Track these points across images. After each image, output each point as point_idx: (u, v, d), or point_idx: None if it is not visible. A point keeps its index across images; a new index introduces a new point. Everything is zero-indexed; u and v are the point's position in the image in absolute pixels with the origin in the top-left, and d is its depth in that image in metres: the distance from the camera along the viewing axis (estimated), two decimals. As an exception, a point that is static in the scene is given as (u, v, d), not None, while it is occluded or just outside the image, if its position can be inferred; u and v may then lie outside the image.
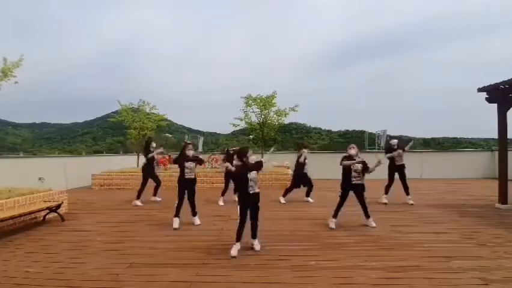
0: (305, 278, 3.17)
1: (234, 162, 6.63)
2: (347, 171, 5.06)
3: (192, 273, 3.30)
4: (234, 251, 3.80)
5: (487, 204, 6.87)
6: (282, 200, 7.41)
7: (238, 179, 4.10)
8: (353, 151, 5.10)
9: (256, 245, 3.99)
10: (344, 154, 5.23)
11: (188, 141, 5.87)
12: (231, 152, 7.26)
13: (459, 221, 5.48)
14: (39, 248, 4.19)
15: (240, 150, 4.20)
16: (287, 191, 7.52)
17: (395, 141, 7.29)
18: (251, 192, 3.91)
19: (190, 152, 5.35)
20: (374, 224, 5.02)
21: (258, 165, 4.01)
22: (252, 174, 3.93)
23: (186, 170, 5.24)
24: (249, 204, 3.94)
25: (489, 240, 4.33)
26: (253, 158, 4.05)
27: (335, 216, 5.10)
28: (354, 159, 5.00)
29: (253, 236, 4.03)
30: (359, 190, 5.05)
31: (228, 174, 7.24)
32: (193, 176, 5.35)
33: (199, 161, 5.52)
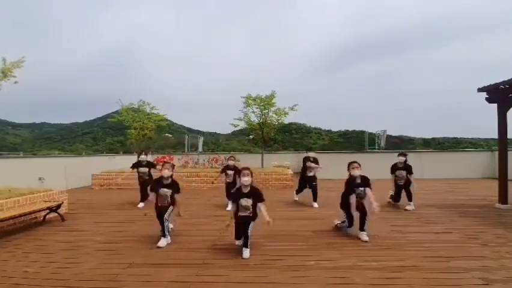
0: (304, 278, 3.16)
1: (229, 172, 6.72)
2: (346, 195, 4.62)
3: (192, 273, 3.30)
4: (239, 242, 4.01)
5: (487, 204, 6.86)
6: (295, 197, 7.48)
7: (233, 198, 4.12)
8: (356, 171, 4.50)
9: (245, 253, 3.80)
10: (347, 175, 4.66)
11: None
12: (231, 163, 6.89)
13: (459, 221, 5.47)
14: (39, 248, 4.19)
15: (241, 169, 4.17)
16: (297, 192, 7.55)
17: (402, 159, 6.58)
18: (240, 214, 3.96)
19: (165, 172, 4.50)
20: (365, 238, 4.36)
21: (259, 196, 3.98)
22: (243, 202, 3.93)
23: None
24: (238, 222, 4.01)
25: (489, 240, 4.32)
26: (245, 180, 3.95)
27: (349, 225, 4.68)
28: (358, 183, 4.50)
29: (244, 245, 3.89)
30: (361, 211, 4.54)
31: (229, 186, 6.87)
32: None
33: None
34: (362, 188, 4.52)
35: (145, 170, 7.18)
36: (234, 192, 4.14)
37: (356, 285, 3.01)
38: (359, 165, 4.58)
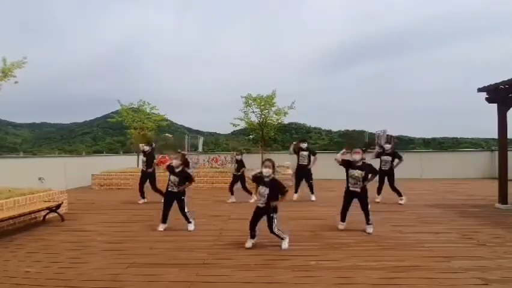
0: (305, 278, 3.17)
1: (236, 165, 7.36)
2: (346, 175, 4.87)
3: (192, 273, 3.30)
4: (248, 244, 4.10)
5: (487, 204, 6.87)
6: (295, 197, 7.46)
7: (255, 181, 4.25)
8: (357, 156, 4.79)
9: (284, 244, 4.06)
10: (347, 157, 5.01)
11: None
12: (238, 158, 7.59)
13: (459, 221, 5.47)
14: (39, 248, 4.19)
15: (264, 161, 4.21)
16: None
17: (388, 146, 7.25)
18: (258, 204, 4.11)
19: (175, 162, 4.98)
20: (370, 230, 4.68)
21: (279, 188, 4.04)
22: (261, 189, 4.06)
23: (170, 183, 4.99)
24: (257, 213, 4.12)
25: (489, 240, 4.33)
26: (265, 171, 4.02)
27: (342, 219, 4.95)
28: (357, 165, 4.74)
29: (283, 239, 4.12)
30: (359, 197, 4.78)
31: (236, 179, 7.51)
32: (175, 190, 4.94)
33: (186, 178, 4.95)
34: (358, 171, 4.73)
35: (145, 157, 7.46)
36: (257, 176, 4.15)
37: (359, 285, 3.01)
38: (361, 150, 4.84)
